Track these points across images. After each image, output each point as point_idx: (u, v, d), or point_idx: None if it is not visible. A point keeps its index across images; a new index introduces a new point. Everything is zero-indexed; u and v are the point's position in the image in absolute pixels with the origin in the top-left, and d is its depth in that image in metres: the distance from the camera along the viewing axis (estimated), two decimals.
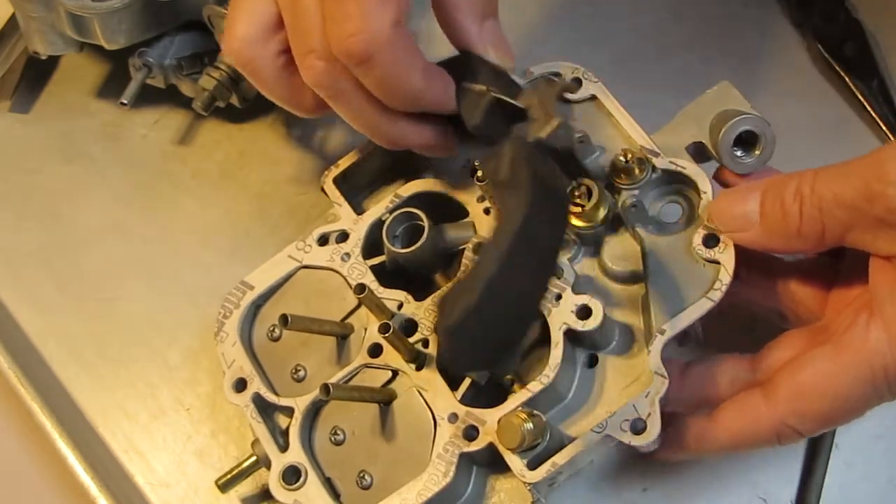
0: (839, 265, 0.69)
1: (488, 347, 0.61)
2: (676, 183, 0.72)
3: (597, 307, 0.68)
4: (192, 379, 0.84)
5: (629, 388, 0.69)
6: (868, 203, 0.62)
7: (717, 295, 0.67)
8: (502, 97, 0.69)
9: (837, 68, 0.85)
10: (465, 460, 0.69)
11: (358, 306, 0.75)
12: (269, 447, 0.72)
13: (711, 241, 0.68)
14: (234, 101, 0.86)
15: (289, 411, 0.73)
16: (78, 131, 0.93)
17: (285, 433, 0.73)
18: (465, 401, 0.70)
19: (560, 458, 0.67)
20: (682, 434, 0.68)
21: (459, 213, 0.75)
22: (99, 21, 0.82)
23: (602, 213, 0.71)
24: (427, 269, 0.75)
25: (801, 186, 0.64)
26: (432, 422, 0.70)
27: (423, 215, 0.73)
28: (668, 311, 0.68)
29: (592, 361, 0.71)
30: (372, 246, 0.76)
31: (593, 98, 0.74)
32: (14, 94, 0.94)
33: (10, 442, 0.84)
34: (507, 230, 0.60)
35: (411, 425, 0.71)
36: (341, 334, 0.75)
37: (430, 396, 0.71)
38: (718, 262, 0.68)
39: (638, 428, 0.66)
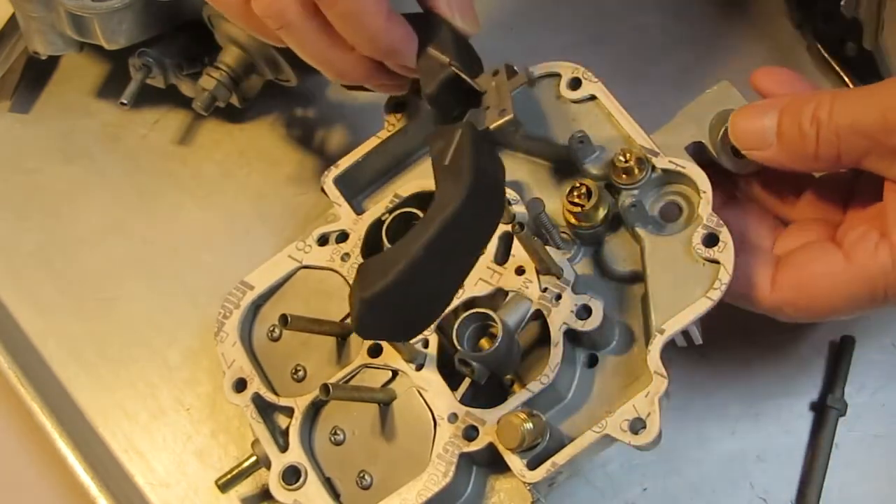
0: (858, 180, 0.71)
1: (397, 324, 0.63)
2: (676, 182, 0.72)
3: (597, 307, 0.68)
4: (192, 379, 0.84)
5: (629, 388, 0.69)
6: (885, 134, 0.63)
7: (716, 294, 0.67)
8: (462, 74, 0.69)
9: (837, 68, 0.85)
10: (465, 460, 0.69)
11: None
12: (269, 447, 0.72)
13: (711, 240, 0.68)
14: (234, 101, 0.86)
15: (289, 411, 0.73)
16: (78, 131, 0.93)
17: (285, 433, 0.73)
18: (464, 401, 0.70)
19: (560, 458, 0.67)
20: None
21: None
22: (99, 21, 0.82)
23: (602, 212, 0.71)
24: None
25: (819, 111, 0.65)
26: (432, 422, 0.70)
27: (422, 215, 0.73)
28: (668, 310, 0.68)
29: (592, 361, 0.71)
30: (372, 246, 0.76)
31: (593, 98, 0.74)
32: (14, 94, 0.94)
33: (10, 442, 0.84)
34: (439, 217, 0.61)
35: (411, 425, 0.71)
36: (341, 334, 0.75)
37: (429, 396, 0.71)
38: (718, 262, 0.68)
39: (637, 428, 0.66)
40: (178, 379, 0.84)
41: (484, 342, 0.69)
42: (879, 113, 0.63)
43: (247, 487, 0.79)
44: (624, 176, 0.71)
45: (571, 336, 0.69)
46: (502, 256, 0.72)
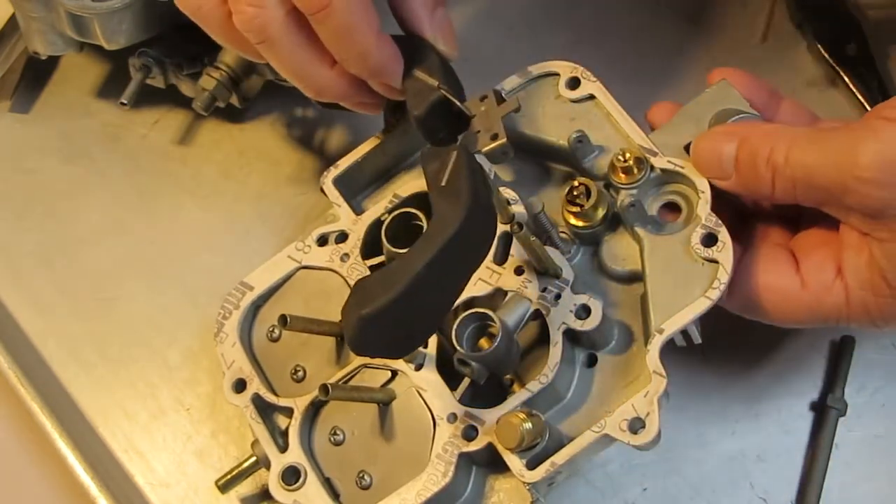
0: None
1: (393, 341, 0.63)
2: (675, 182, 0.72)
3: (596, 307, 0.68)
4: (192, 379, 0.84)
5: (628, 388, 0.69)
6: (841, 192, 0.63)
7: (715, 294, 0.67)
8: (451, 98, 0.70)
9: (837, 68, 0.85)
10: (465, 460, 0.69)
11: None
12: (269, 447, 0.72)
13: (710, 240, 0.68)
14: (234, 101, 0.86)
15: (288, 412, 0.73)
16: (78, 131, 0.93)
17: (285, 433, 0.73)
18: (464, 401, 0.70)
19: (559, 458, 0.67)
20: None
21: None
22: (99, 21, 0.82)
23: (601, 212, 0.71)
24: None
25: (775, 156, 0.65)
26: (431, 422, 0.70)
27: (422, 215, 0.73)
28: (667, 310, 0.68)
29: (591, 361, 0.71)
30: (371, 246, 0.76)
31: (592, 98, 0.74)
32: (14, 94, 0.94)
33: (10, 442, 0.84)
34: (438, 236, 0.62)
35: (410, 425, 0.71)
36: (341, 334, 0.75)
37: (429, 396, 0.71)
38: (717, 261, 0.68)
39: (637, 427, 0.66)
40: (178, 379, 0.84)
41: (483, 342, 0.69)
42: (835, 172, 0.63)
43: (247, 488, 0.79)
44: (623, 175, 0.71)
45: (570, 336, 0.69)
46: (501, 256, 0.72)
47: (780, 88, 0.84)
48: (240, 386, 0.74)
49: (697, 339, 0.71)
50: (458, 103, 0.71)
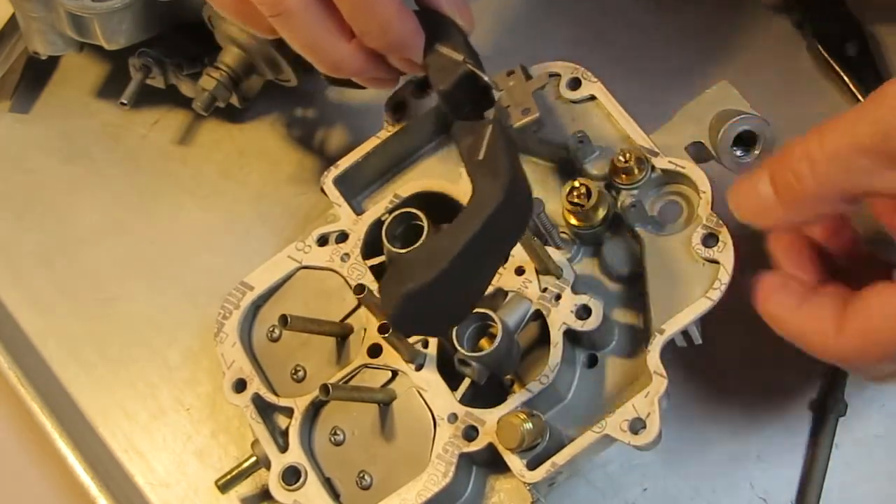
0: None
1: (433, 319, 0.63)
2: (676, 183, 0.72)
3: (596, 307, 0.68)
4: (192, 379, 0.84)
5: (629, 388, 0.69)
6: (883, 140, 0.57)
7: (716, 294, 0.67)
8: (478, 72, 0.69)
9: (837, 68, 0.85)
10: (465, 460, 0.69)
11: (357, 306, 0.75)
12: (269, 447, 0.72)
13: (711, 240, 0.68)
14: (234, 101, 0.86)
15: (288, 412, 0.73)
16: (78, 131, 0.93)
17: (285, 433, 0.73)
18: (464, 401, 0.70)
19: (560, 459, 0.67)
20: (756, 290, 0.66)
21: (459, 213, 0.75)
22: (99, 21, 0.82)
23: (601, 213, 0.71)
24: None
25: (809, 148, 0.60)
26: (432, 422, 0.70)
27: (422, 215, 0.73)
28: (668, 310, 0.68)
29: (592, 361, 0.71)
30: (371, 246, 0.76)
31: (592, 98, 0.74)
32: (14, 94, 0.94)
33: (10, 442, 0.84)
34: (481, 211, 0.61)
35: (411, 425, 0.71)
36: (341, 335, 0.75)
37: (429, 397, 0.71)
38: (718, 262, 0.68)
39: (637, 428, 0.66)
40: (178, 379, 0.84)
41: (484, 342, 0.69)
42: (869, 124, 0.58)
43: (247, 488, 0.79)
44: (623, 176, 0.71)
45: (571, 336, 0.69)
46: None
47: (780, 88, 0.85)
48: (240, 386, 0.74)
49: (698, 339, 0.71)
50: (485, 78, 0.69)
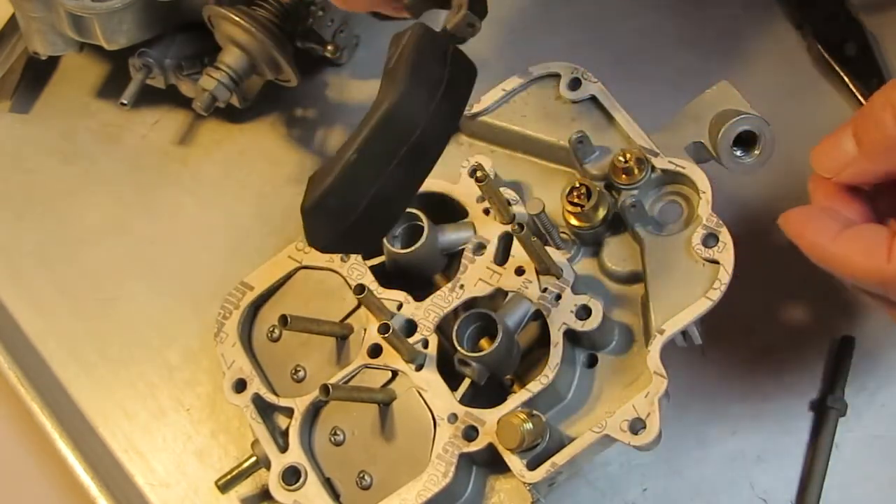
0: None
1: (347, 232, 0.61)
2: (676, 183, 0.72)
3: (596, 307, 0.68)
4: (192, 379, 0.84)
5: (629, 388, 0.69)
6: None
7: (716, 294, 0.67)
8: None
9: (837, 68, 0.85)
10: (465, 461, 0.69)
11: (357, 307, 0.75)
12: (269, 447, 0.72)
13: (710, 240, 0.68)
14: (234, 101, 0.86)
15: (288, 412, 0.73)
16: (78, 131, 0.93)
17: (285, 433, 0.73)
18: (464, 401, 0.70)
19: (560, 459, 0.67)
20: (791, 219, 0.65)
21: (459, 213, 0.75)
22: (99, 21, 0.82)
23: (601, 213, 0.71)
24: (427, 270, 0.75)
25: (891, 96, 0.61)
26: (432, 422, 0.70)
27: (422, 215, 0.73)
28: (668, 310, 0.68)
29: (592, 361, 0.71)
30: None
31: (593, 98, 0.74)
32: (14, 94, 0.94)
33: (10, 442, 0.84)
34: (370, 120, 0.60)
35: (411, 426, 0.71)
36: (341, 335, 0.75)
37: (429, 397, 0.71)
38: (718, 262, 0.68)
39: (637, 428, 0.66)
40: (178, 379, 0.84)
41: (484, 342, 0.69)
42: None
43: (247, 488, 0.79)
44: (623, 176, 0.71)
45: (571, 336, 0.69)
46: (502, 257, 0.72)
47: (780, 88, 0.85)
48: (240, 386, 0.74)
49: (698, 339, 0.71)
50: None
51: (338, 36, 0.88)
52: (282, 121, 0.91)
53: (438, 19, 0.71)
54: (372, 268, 0.75)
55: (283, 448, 0.72)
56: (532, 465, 0.67)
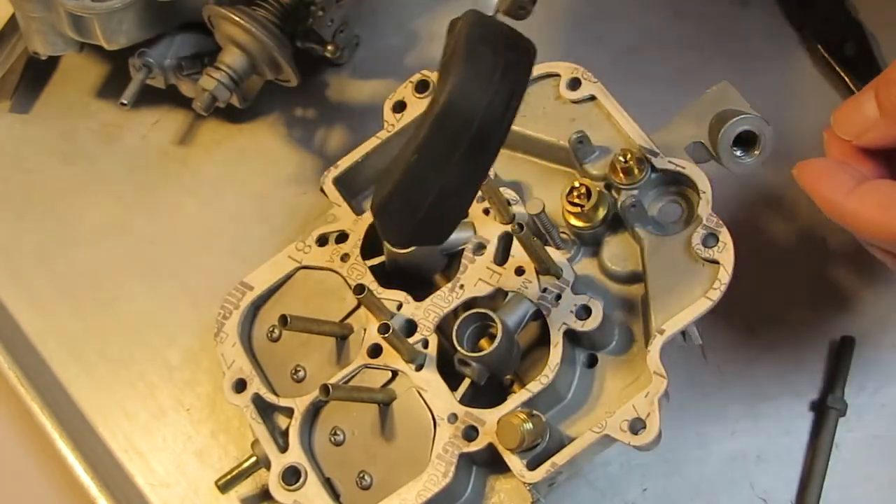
0: None
1: (419, 226, 0.61)
2: (676, 183, 0.72)
3: (596, 307, 0.68)
4: (192, 379, 0.84)
5: (629, 388, 0.69)
6: None
7: (716, 294, 0.67)
8: None
9: (837, 68, 0.85)
10: (465, 461, 0.69)
11: (357, 307, 0.75)
12: (269, 447, 0.72)
13: (710, 240, 0.68)
14: (235, 101, 0.86)
15: (288, 412, 0.73)
16: (78, 131, 0.93)
17: (285, 434, 0.73)
18: (464, 401, 0.70)
19: (560, 459, 0.67)
20: (804, 172, 0.66)
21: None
22: (99, 21, 0.82)
23: (601, 213, 0.71)
24: (426, 270, 0.75)
25: None
26: (432, 422, 0.70)
27: None
28: (668, 310, 0.68)
29: (592, 361, 0.71)
30: (371, 246, 0.76)
31: (593, 98, 0.74)
32: (14, 94, 0.94)
33: (10, 442, 0.84)
34: (429, 114, 0.59)
35: (411, 426, 0.71)
36: (341, 335, 0.75)
37: (429, 397, 0.71)
38: (718, 262, 0.68)
39: (637, 428, 0.66)
40: (178, 379, 0.84)
41: (484, 342, 0.69)
42: None
43: (247, 488, 0.79)
44: (623, 176, 0.71)
45: (571, 336, 0.69)
46: (502, 257, 0.72)
47: (780, 88, 0.85)
48: (240, 386, 0.74)
49: (698, 339, 0.71)
50: None
51: (338, 36, 0.88)
52: (282, 121, 0.91)
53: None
54: (372, 268, 0.75)
55: (283, 448, 0.72)
56: (532, 465, 0.67)
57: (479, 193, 0.74)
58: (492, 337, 0.68)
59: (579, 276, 0.71)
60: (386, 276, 0.75)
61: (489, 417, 0.69)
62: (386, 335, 0.69)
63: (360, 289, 0.70)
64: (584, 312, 0.69)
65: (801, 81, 0.86)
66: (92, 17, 0.82)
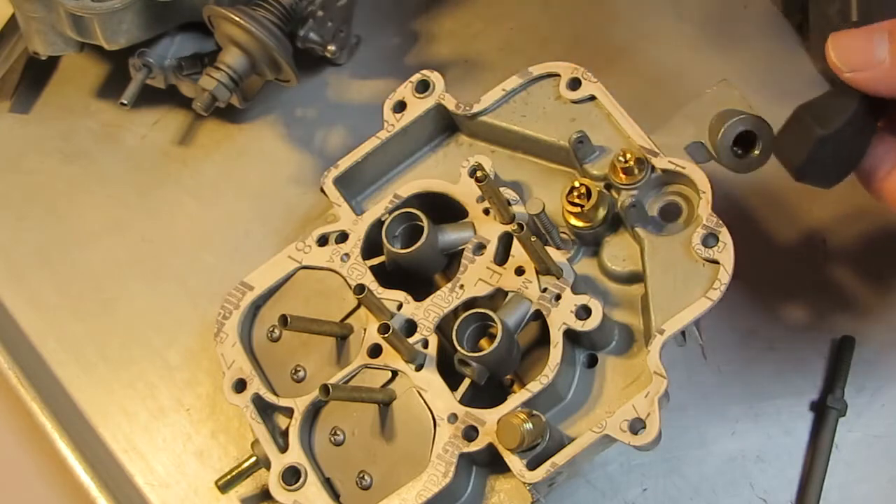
0: None
1: (832, 165, 0.66)
2: (676, 183, 0.72)
3: (596, 307, 0.68)
4: (192, 379, 0.84)
5: (629, 388, 0.69)
6: None
7: (716, 294, 0.67)
8: None
9: None
10: (465, 461, 0.69)
11: (357, 307, 0.75)
12: (269, 448, 0.72)
13: (710, 240, 0.68)
14: (235, 101, 0.86)
15: (288, 412, 0.73)
16: (78, 131, 0.93)
17: (285, 434, 0.73)
18: (464, 401, 0.70)
19: (560, 459, 0.67)
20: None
21: (459, 213, 0.75)
22: (99, 21, 0.82)
23: (601, 213, 0.71)
24: (427, 270, 0.75)
25: None
26: (432, 422, 0.70)
27: (422, 215, 0.73)
28: (668, 310, 0.68)
29: (592, 361, 0.71)
30: (371, 246, 0.76)
31: (592, 98, 0.74)
32: (14, 94, 0.94)
33: (10, 442, 0.84)
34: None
35: (411, 426, 0.71)
36: (341, 335, 0.75)
37: (429, 397, 0.71)
38: (717, 262, 0.68)
39: (637, 428, 0.66)
40: (178, 379, 0.84)
41: (484, 342, 0.69)
42: None
43: (247, 488, 0.79)
44: (623, 176, 0.71)
45: (571, 336, 0.69)
46: (502, 257, 0.72)
47: (780, 89, 0.85)
48: (240, 386, 0.74)
49: (698, 339, 0.71)
50: None
51: (338, 36, 0.88)
52: (282, 121, 0.91)
53: None
54: (372, 268, 0.75)
55: (283, 448, 0.72)
56: (532, 465, 0.67)
57: (479, 193, 0.74)
58: (492, 337, 0.68)
59: (579, 276, 0.71)
60: (386, 276, 0.75)
61: (489, 417, 0.69)
62: (386, 335, 0.69)
63: (360, 289, 0.70)
64: (584, 312, 0.69)
65: (801, 82, 0.86)
66: (92, 17, 0.82)
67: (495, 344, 0.66)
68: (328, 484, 0.72)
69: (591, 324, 0.68)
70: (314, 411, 0.73)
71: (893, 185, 0.65)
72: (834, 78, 0.66)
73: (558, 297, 0.70)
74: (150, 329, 0.86)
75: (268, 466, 0.73)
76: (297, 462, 0.72)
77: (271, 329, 0.76)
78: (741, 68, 0.86)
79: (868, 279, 0.80)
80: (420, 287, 0.74)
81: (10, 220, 0.90)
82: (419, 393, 0.71)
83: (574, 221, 0.71)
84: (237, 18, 0.79)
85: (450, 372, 0.70)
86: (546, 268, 0.70)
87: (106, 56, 0.90)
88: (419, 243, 0.72)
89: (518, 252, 0.71)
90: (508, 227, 0.72)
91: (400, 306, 0.73)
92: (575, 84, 0.75)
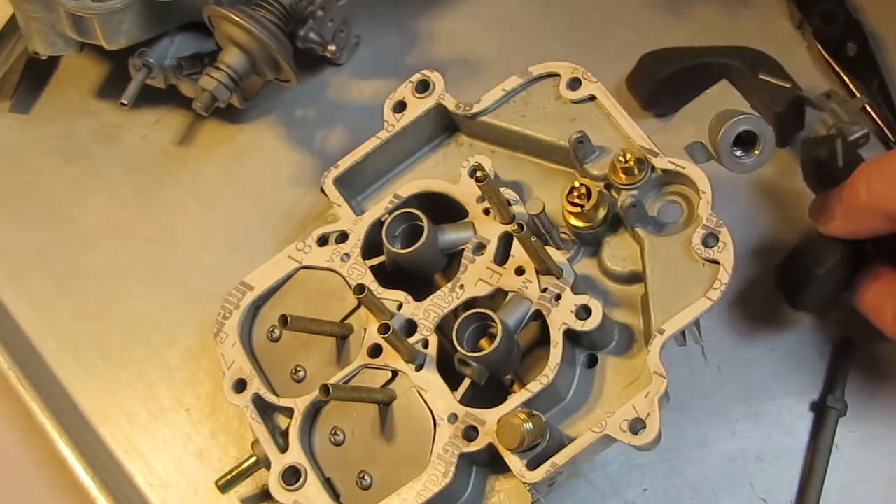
0: None
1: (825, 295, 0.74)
2: (676, 183, 0.72)
3: (596, 307, 0.68)
4: (192, 379, 0.84)
5: (629, 388, 0.69)
6: None
7: (716, 294, 0.67)
8: (805, 95, 0.81)
9: (837, 68, 0.85)
10: (465, 461, 0.69)
11: (357, 307, 0.75)
12: (269, 448, 0.72)
13: (711, 240, 0.68)
14: (235, 101, 0.86)
15: (288, 412, 0.73)
16: (78, 131, 0.93)
17: (285, 434, 0.73)
18: (464, 401, 0.70)
19: (560, 459, 0.67)
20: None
21: (459, 213, 0.75)
22: (99, 21, 0.82)
23: (601, 213, 0.71)
24: (427, 270, 0.75)
25: (869, 168, 0.69)
26: (432, 422, 0.70)
27: (422, 215, 0.73)
28: (668, 310, 0.68)
29: (592, 361, 0.71)
30: (372, 246, 0.76)
31: (593, 98, 0.74)
32: (14, 94, 0.94)
33: (10, 442, 0.84)
34: None
35: (411, 426, 0.71)
36: (341, 335, 0.75)
37: (429, 397, 0.71)
38: (717, 262, 0.68)
39: (637, 428, 0.66)
40: (178, 379, 0.84)
41: (484, 342, 0.69)
42: None
43: (247, 488, 0.79)
44: (623, 176, 0.71)
45: (571, 336, 0.69)
46: (502, 257, 0.72)
47: None
48: (240, 386, 0.74)
49: (698, 339, 0.71)
50: (812, 101, 0.81)
51: (338, 36, 0.88)
52: (282, 121, 0.91)
53: None
54: (372, 268, 0.75)
55: (283, 448, 0.72)
56: (532, 465, 0.67)
57: (479, 193, 0.74)
58: (492, 337, 0.68)
59: (579, 276, 0.71)
60: (386, 276, 0.75)
61: (489, 417, 0.69)
62: (386, 335, 0.69)
63: (360, 289, 0.70)
64: (584, 312, 0.69)
65: (801, 82, 0.86)
66: (92, 18, 0.82)
67: (495, 344, 0.66)
68: (328, 484, 0.72)
69: (591, 324, 0.68)
70: (314, 411, 0.73)
71: (871, 298, 0.72)
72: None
73: (558, 297, 0.70)
74: (150, 329, 0.86)
75: (268, 466, 0.73)
76: (297, 462, 0.72)
77: (271, 329, 0.76)
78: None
79: None
80: (420, 287, 0.74)
81: (10, 220, 0.90)
82: (419, 393, 0.71)
83: (574, 221, 0.71)
84: (237, 18, 0.79)
85: (450, 372, 0.70)
86: (546, 268, 0.70)
87: (106, 56, 0.90)
88: (419, 243, 0.72)
89: (518, 252, 0.71)
90: (508, 227, 0.72)
91: (400, 306, 0.73)
92: (575, 84, 0.75)
